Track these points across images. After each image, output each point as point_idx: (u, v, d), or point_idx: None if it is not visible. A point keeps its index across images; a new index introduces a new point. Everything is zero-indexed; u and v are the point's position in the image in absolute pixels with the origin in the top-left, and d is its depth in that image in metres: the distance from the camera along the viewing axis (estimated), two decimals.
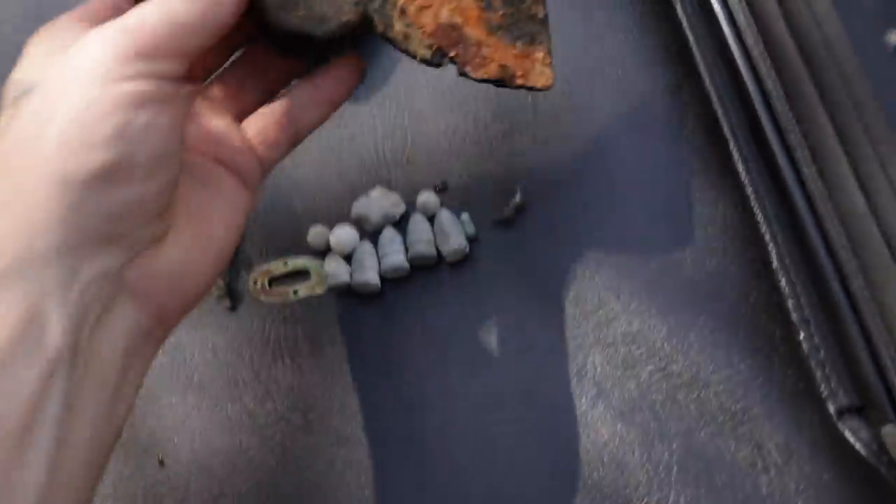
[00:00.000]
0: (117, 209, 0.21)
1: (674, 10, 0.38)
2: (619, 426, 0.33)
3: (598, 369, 0.34)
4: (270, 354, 0.36)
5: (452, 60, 0.28)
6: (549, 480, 0.32)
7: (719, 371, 0.33)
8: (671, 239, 0.36)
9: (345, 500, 0.33)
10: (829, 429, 0.31)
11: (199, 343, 0.37)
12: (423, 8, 0.28)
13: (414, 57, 0.28)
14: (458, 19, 0.28)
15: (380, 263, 0.37)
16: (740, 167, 0.34)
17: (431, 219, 0.37)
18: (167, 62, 0.22)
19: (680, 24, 0.37)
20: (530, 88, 0.29)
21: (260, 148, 0.29)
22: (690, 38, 0.37)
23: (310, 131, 0.30)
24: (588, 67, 0.39)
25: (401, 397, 0.35)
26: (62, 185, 0.20)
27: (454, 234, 0.36)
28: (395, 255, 0.36)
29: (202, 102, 0.29)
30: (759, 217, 0.33)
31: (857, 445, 0.29)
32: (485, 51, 0.28)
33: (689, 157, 0.37)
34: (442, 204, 0.38)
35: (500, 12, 0.28)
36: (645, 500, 0.31)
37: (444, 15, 0.28)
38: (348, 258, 0.37)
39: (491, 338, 0.35)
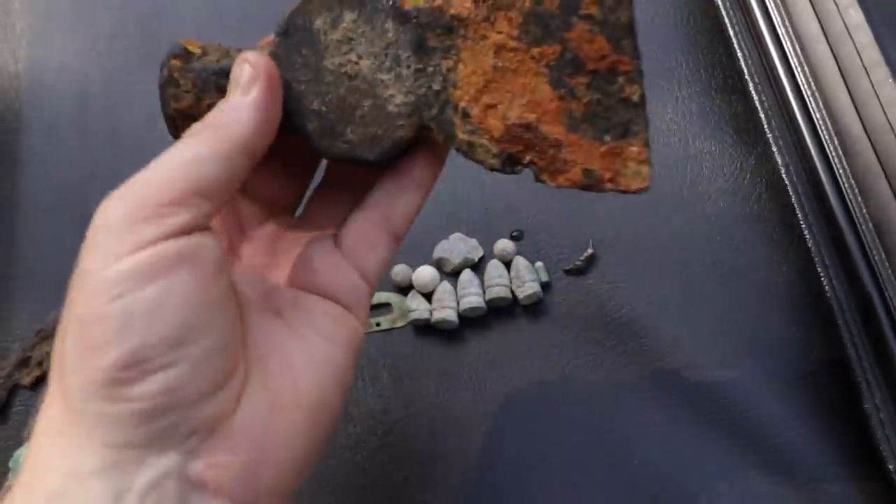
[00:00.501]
0: (152, 403, 0.19)
1: (744, 80, 0.41)
2: (686, 473, 0.35)
3: (659, 412, 0.36)
4: (353, 381, 0.39)
5: (527, 166, 0.24)
6: None
7: (779, 425, 0.35)
8: (736, 296, 0.38)
9: None
10: (886, 487, 0.32)
11: None
12: (489, 107, 0.24)
13: (480, 164, 0.24)
14: (531, 116, 0.24)
15: (458, 303, 0.39)
16: (805, 233, 0.36)
17: (508, 264, 0.40)
18: (182, 215, 0.20)
19: (752, 102, 0.40)
20: (622, 192, 0.24)
21: (359, 258, 0.25)
22: (763, 118, 0.39)
23: (407, 226, 0.26)
24: (662, 132, 0.42)
25: (472, 427, 0.37)
26: (81, 401, 0.19)
27: (529, 279, 0.39)
28: (473, 295, 0.39)
29: (291, 228, 0.27)
30: (823, 279, 0.35)
31: None
32: (565, 153, 0.24)
33: (754, 222, 0.39)
34: (518, 251, 0.41)
35: (585, 99, 0.24)
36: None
37: (516, 112, 0.24)
38: (429, 296, 0.40)
39: (559, 378, 0.37)
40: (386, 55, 0.24)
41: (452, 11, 0.24)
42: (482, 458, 0.36)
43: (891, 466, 0.31)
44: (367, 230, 0.25)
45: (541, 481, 0.35)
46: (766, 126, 0.39)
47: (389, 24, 0.24)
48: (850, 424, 0.34)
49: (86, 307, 0.19)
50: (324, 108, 0.24)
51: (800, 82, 0.39)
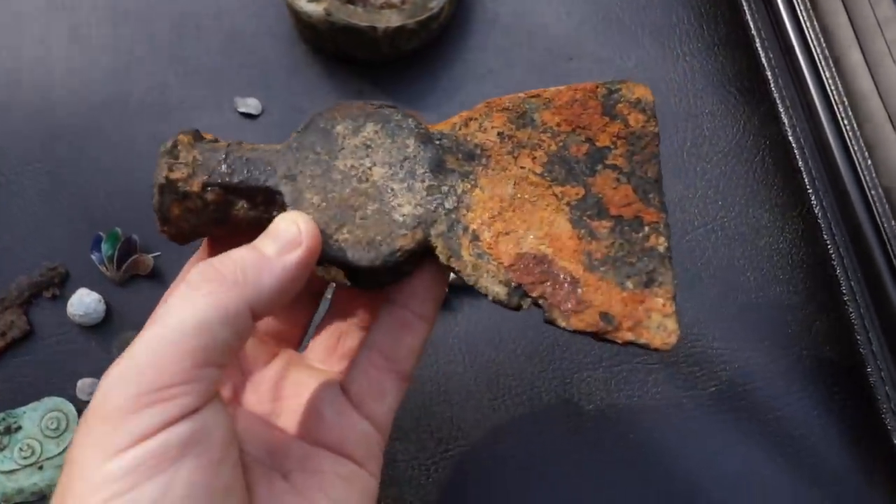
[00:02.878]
0: None
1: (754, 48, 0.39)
2: (679, 444, 0.34)
3: (660, 388, 0.35)
4: None
5: (536, 302, 0.21)
6: (605, 486, 0.33)
7: (779, 398, 0.34)
8: (736, 265, 0.36)
9: None
10: (888, 461, 0.32)
11: None
12: (501, 234, 0.22)
13: (484, 294, 0.22)
14: (547, 249, 0.22)
15: None
16: (812, 199, 0.35)
17: None
18: (190, 395, 0.18)
19: (758, 60, 0.38)
20: (642, 346, 0.21)
21: (369, 406, 0.24)
22: (769, 76, 0.37)
23: (415, 362, 0.24)
24: (661, 92, 0.40)
25: (464, 400, 0.36)
26: None
27: None
28: None
29: (296, 367, 0.25)
30: (830, 247, 0.34)
31: None
32: (581, 292, 0.21)
33: (759, 187, 0.38)
34: None
35: (606, 243, 0.22)
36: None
37: (529, 243, 0.22)
38: None
39: (556, 347, 0.36)
40: (402, 167, 0.23)
41: (477, 141, 0.23)
42: (477, 431, 0.35)
43: None
44: (374, 376, 0.24)
45: (536, 452, 0.34)
46: (772, 84, 0.37)
47: (411, 141, 0.23)
48: (854, 396, 0.33)
49: None
50: (323, 204, 0.23)
51: (809, 38, 0.37)
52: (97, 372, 0.35)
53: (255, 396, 0.25)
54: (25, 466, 0.33)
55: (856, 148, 0.34)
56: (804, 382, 0.34)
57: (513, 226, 0.22)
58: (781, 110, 0.37)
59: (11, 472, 0.33)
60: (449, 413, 0.35)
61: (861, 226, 0.33)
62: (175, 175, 0.23)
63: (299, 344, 0.27)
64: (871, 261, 0.33)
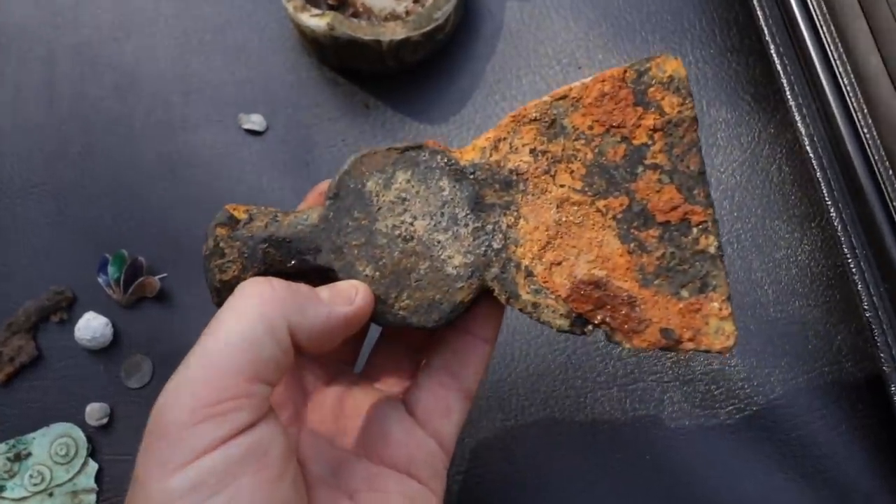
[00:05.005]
0: None
1: (765, 45, 0.38)
2: (697, 466, 0.33)
3: (676, 406, 0.34)
4: None
5: (598, 326, 0.22)
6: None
7: (800, 417, 0.33)
8: (753, 279, 0.36)
9: None
10: None
11: None
12: (554, 264, 0.22)
13: (549, 325, 0.23)
14: (600, 273, 0.22)
15: None
16: (831, 210, 0.34)
17: None
18: (244, 410, 0.19)
19: (773, 66, 0.37)
20: (704, 352, 0.22)
21: (435, 425, 0.24)
22: (784, 82, 0.36)
23: (479, 382, 0.25)
24: None
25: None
26: None
27: None
28: None
29: (356, 386, 0.25)
30: (849, 259, 0.33)
31: None
32: (639, 311, 0.22)
33: (775, 198, 0.37)
34: None
35: (657, 254, 0.22)
36: None
37: (582, 269, 0.22)
38: None
39: (564, 366, 0.35)
40: (442, 214, 0.23)
41: (510, 165, 0.23)
42: (488, 452, 0.35)
43: None
44: (441, 394, 0.24)
45: (549, 473, 0.34)
46: (787, 92, 0.36)
47: (445, 182, 0.23)
48: (878, 413, 0.32)
49: None
50: (377, 274, 0.23)
51: (825, 43, 0.36)
52: (105, 396, 0.35)
53: (318, 416, 0.25)
54: (36, 493, 0.33)
55: (876, 157, 0.33)
56: (826, 400, 0.33)
57: (563, 253, 0.22)
58: (798, 118, 0.36)
59: (22, 499, 0.33)
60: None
61: (883, 237, 0.32)
62: (228, 276, 0.23)
63: (353, 365, 0.27)
64: (893, 273, 0.32)
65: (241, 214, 0.24)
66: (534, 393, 0.35)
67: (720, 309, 0.22)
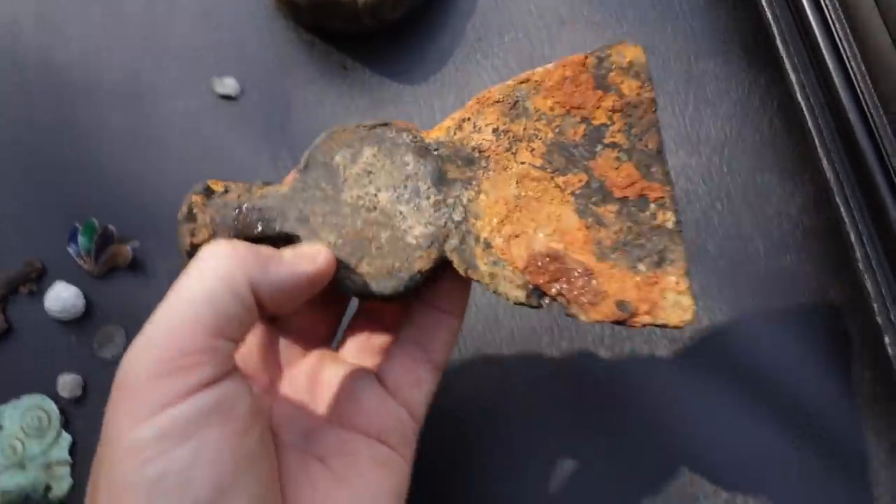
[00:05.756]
0: None
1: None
2: (687, 422, 0.32)
3: (665, 365, 0.33)
4: None
5: (555, 298, 0.22)
6: (605, 469, 0.32)
7: (792, 371, 0.32)
8: (743, 234, 0.34)
9: None
10: None
11: None
12: (512, 237, 0.23)
13: (506, 298, 0.23)
14: (557, 246, 0.22)
15: None
16: (823, 161, 0.33)
17: None
18: (208, 364, 0.19)
19: (763, 15, 0.36)
20: (661, 326, 0.22)
21: (405, 395, 0.24)
22: (775, 32, 0.35)
23: (448, 353, 0.25)
24: (660, 54, 0.38)
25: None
26: None
27: None
28: None
29: (331, 361, 0.26)
30: (843, 212, 0.32)
31: None
32: (596, 283, 0.22)
33: (766, 151, 0.36)
34: None
35: (614, 228, 0.22)
36: (711, 499, 0.31)
37: (540, 242, 0.22)
38: None
39: (550, 329, 0.34)
40: (405, 187, 0.23)
41: (473, 143, 0.23)
42: (477, 417, 0.34)
43: None
44: (410, 367, 0.25)
45: (538, 439, 0.33)
46: (778, 41, 0.35)
47: (409, 157, 0.24)
48: (871, 367, 0.31)
49: (116, 472, 0.18)
50: (339, 241, 0.23)
51: None
52: (78, 368, 0.34)
53: (292, 388, 0.25)
54: (8, 467, 0.32)
55: (870, 104, 0.32)
56: (818, 354, 0.32)
57: (522, 227, 0.23)
58: (789, 69, 0.34)
59: None
60: (443, 403, 0.33)
61: (877, 186, 0.31)
62: (198, 240, 0.24)
63: (331, 342, 0.28)
64: (886, 224, 0.31)
65: (219, 187, 0.24)
66: (520, 355, 0.34)
67: (677, 283, 0.22)
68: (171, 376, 0.19)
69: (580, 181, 0.23)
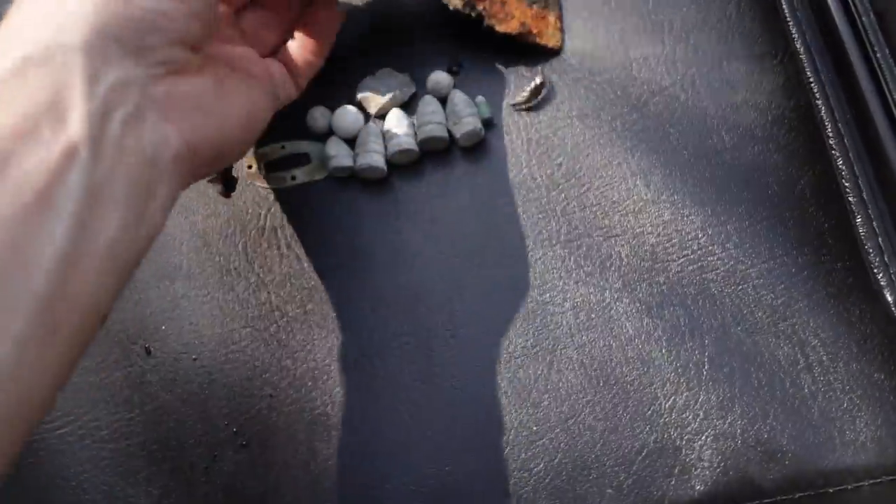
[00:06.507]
0: (141, 18, 0.21)
1: None
2: (645, 321, 0.30)
3: (625, 261, 0.31)
4: (266, 242, 0.33)
5: (480, 14, 0.32)
6: (568, 374, 0.30)
7: (760, 264, 0.30)
8: (708, 124, 0.32)
9: (343, 392, 0.31)
10: (882, 324, 0.28)
11: (189, 229, 0.34)
12: None
13: (446, 6, 0.32)
14: None
15: (386, 147, 0.33)
16: (797, 42, 0.30)
17: (444, 101, 0.34)
18: None
19: None
20: (543, 47, 0.33)
21: (298, 62, 0.31)
22: None
23: (328, 47, 0.32)
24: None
25: (406, 288, 0.32)
26: None
27: (468, 116, 0.33)
28: (402, 137, 0.33)
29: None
30: (816, 92, 0.30)
31: None
32: (508, 8, 0.33)
33: (734, 36, 0.33)
34: (455, 86, 0.34)
35: None
36: (673, 398, 0.29)
37: None
38: (351, 142, 0.34)
39: (503, 227, 0.32)
40: None
41: None
42: (420, 320, 0.31)
43: None
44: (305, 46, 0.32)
45: (476, 335, 0.31)
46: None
47: None
48: (842, 257, 0.29)
49: None
50: None
51: None
52: None
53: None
54: None
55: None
56: (787, 247, 0.30)
57: None
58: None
59: None
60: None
61: (851, 63, 0.29)
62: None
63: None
64: (862, 103, 0.28)
65: None
66: (472, 252, 0.32)
67: (555, 22, 0.34)
68: None
69: None
